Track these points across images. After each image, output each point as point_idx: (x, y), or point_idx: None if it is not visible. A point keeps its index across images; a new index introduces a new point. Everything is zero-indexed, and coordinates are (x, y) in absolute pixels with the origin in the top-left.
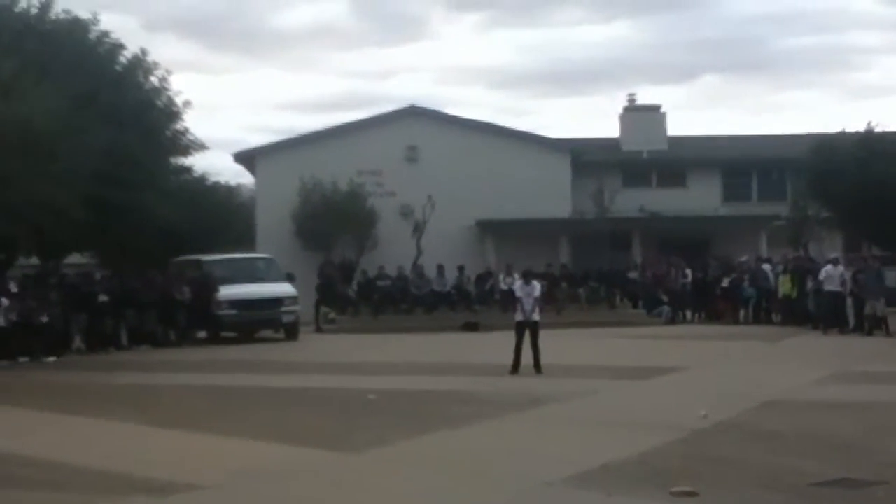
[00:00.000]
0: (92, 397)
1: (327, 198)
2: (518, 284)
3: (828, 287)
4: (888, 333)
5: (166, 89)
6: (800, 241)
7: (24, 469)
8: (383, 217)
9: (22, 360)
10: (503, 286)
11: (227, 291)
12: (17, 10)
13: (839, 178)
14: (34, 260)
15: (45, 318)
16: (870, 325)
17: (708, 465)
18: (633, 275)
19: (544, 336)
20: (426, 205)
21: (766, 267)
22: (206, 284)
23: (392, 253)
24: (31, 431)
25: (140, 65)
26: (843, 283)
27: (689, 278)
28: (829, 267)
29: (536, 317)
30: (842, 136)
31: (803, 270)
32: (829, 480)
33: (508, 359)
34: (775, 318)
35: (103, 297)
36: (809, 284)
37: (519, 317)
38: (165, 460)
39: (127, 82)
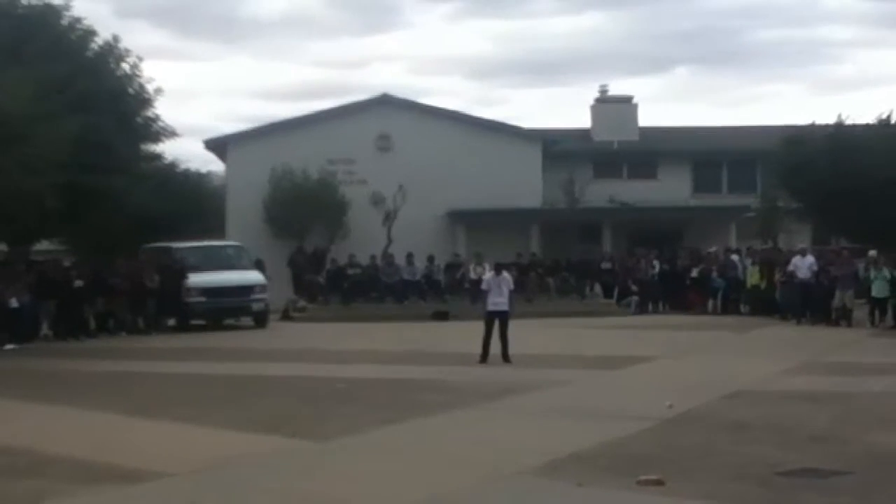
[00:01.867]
0: (63, 385)
1: (298, 185)
2: (489, 276)
3: (798, 277)
4: (850, 324)
5: (138, 76)
6: (770, 233)
7: None
8: (354, 205)
9: None
10: (473, 275)
11: (197, 279)
12: None
13: (809, 171)
14: (3, 246)
15: (14, 304)
16: (837, 316)
17: (675, 455)
18: (606, 265)
19: (514, 326)
20: (397, 193)
21: (735, 257)
22: (176, 271)
23: (363, 241)
24: (4, 419)
25: (112, 51)
26: (813, 274)
27: (657, 269)
28: (796, 258)
29: (506, 307)
30: (812, 129)
31: (772, 262)
32: (795, 470)
33: (478, 348)
34: (744, 308)
35: (79, 283)
36: (777, 275)
37: (489, 307)
38: (136, 448)
39: (99, 69)
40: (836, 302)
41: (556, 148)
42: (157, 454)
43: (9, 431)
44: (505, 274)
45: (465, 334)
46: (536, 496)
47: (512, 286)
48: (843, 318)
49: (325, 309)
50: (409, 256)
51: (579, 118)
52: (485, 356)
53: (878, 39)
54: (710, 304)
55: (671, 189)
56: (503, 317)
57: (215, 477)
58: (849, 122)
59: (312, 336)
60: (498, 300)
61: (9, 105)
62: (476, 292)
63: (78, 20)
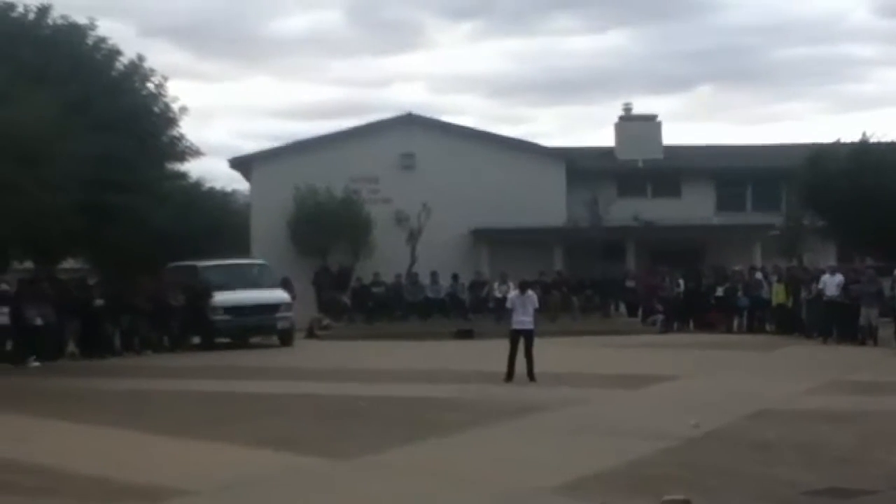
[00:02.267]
0: (87, 403)
1: (322, 204)
2: (514, 294)
3: (827, 295)
4: (876, 343)
5: (163, 95)
6: (794, 252)
7: (17, 475)
8: (379, 224)
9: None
10: (497, 294)
11: (222, 297)
12: (13, 15)
13: (833, 189)
14: (28, 265)
15: (39, 322)
16: (863, 335)
17: (700, 474)
18: (630, 283)
19: (538, 344)
20: (421, 212)
21: (759, 275)
22: (200, 290)
23: (387, 260)
24: (26, 437)
25: (136, 71)
26: (841, 292)
27: (682, 287)
28: (826, 276)
29: (531, 325)
30: (836, 147)
31: (798, 280)
32: (820, 490)
33: (502, 366)
34: (769, 327)
35: (99, 302)
36: (804, 294)
37: (514, 325)
38: (158, 466)
39: (123, 88)
40: (862, 320)
41: (579, 166)
42: (178, 472)
43: (31, 450)
44: (530, 292)
45: (489, 353)
46: None
47: (537, 304)
48: (869, 336)
49: (349, 327)
50: (434, 275)
51: (601, 137)
52: (510, 374)
53: None
54: (736, 322)
55: (695, 207)
56: (528, 335)
57: (236, 495)
58: (873, 139)
59: (336, 354)
60: (523, 318)
61: (31, 125)
62: (501, 311)
63: (103, 39)
